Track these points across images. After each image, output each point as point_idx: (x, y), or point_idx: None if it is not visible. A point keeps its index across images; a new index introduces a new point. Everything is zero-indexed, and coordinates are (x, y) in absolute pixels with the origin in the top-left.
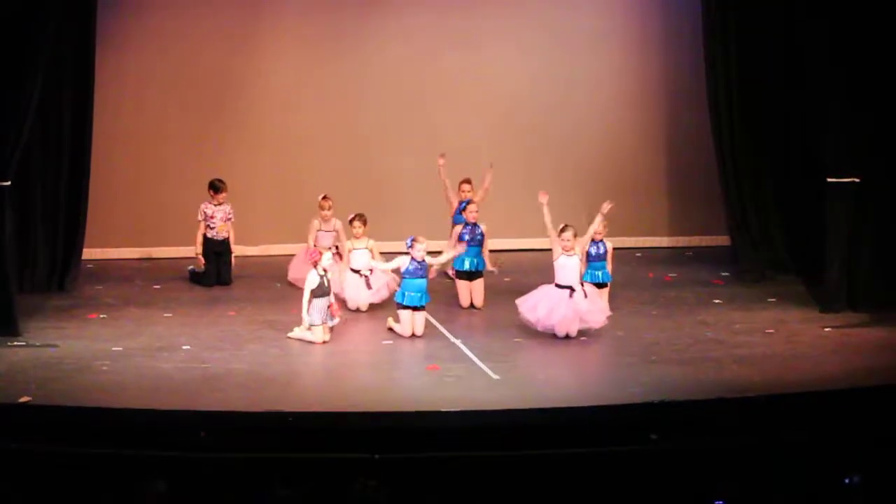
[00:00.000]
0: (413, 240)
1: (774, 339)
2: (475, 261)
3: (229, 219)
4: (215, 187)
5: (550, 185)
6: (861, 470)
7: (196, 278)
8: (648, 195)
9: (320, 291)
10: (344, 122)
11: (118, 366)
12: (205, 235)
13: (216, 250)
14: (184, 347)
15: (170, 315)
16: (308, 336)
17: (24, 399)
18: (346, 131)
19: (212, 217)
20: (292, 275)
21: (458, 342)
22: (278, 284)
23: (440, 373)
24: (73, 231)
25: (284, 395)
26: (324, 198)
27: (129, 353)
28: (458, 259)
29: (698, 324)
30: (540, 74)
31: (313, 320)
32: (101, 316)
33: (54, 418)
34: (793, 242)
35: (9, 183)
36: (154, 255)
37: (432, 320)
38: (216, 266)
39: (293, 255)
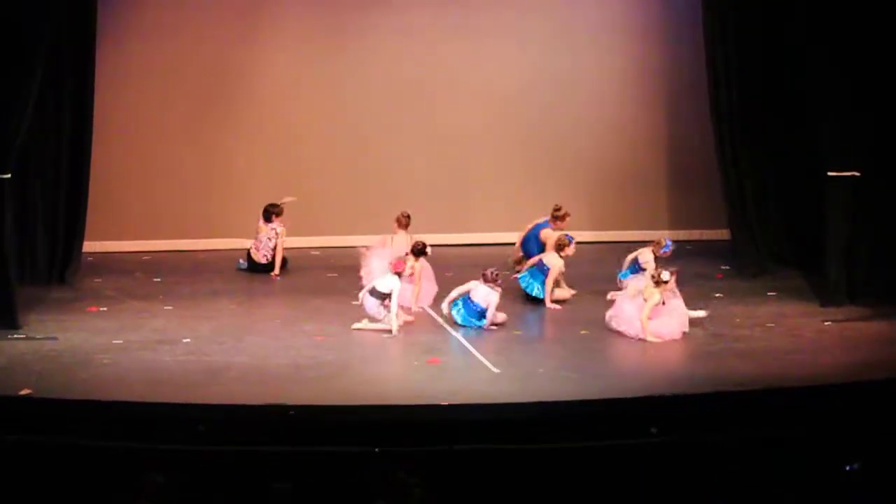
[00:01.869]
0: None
1: (775, 333)
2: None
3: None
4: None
5: (550, 178)
6: (861, 460)
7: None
8: (648, 188)
9: (381, 294)
10: (343, 115)
11: (118, 359)
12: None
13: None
14: (184, 340)
15: (170, 308)
16: (380, 326)
17: (24, 391)
18: (345, 124)
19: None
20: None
21: (458, 335)
22: (278, 278)
23: (440, 366)
24: (73, 223)
25: (285, 389)
26: (406, 215)
27: (130, 345)
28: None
29: (698, 318)
30: (540, 68)
31: (381, 314)
32: (102, 309)
33: (54, 411)
34: (793, 236)
35: (9, 175)
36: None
37: (432, 313)
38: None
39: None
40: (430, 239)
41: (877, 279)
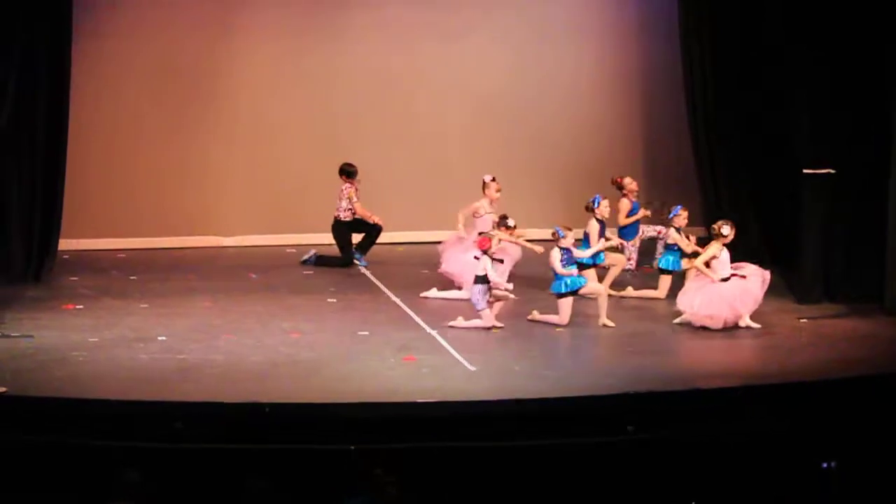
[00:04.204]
0: (567, 229)
1: (750, 330)
2: None
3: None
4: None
5: (527, 175)
6: (838, 458)
7: (325, 261)
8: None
9: (486, 277)
10: (320, 113)
11: (94, 356)
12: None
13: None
14: (160, 338)
15: (146, 306)
16: (477, 322)
17: (0, 390)
18: (323, 123)
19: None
20: (446, 268)
21: (434, 333)
22: (254, 276)
23: (416, 364)
24: (48, 221)
25: (261, 386)
26: (494, 179)
27: (105, 343)
28: None
29: (675, 314)
30: (517, 65)
31: (481, 305)
32: (78, 307)
33: (30, 409)
34: (769, 233)
35: None
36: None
37: (408, 311)
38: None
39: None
40: (407, 236)
41: (852, 276)
